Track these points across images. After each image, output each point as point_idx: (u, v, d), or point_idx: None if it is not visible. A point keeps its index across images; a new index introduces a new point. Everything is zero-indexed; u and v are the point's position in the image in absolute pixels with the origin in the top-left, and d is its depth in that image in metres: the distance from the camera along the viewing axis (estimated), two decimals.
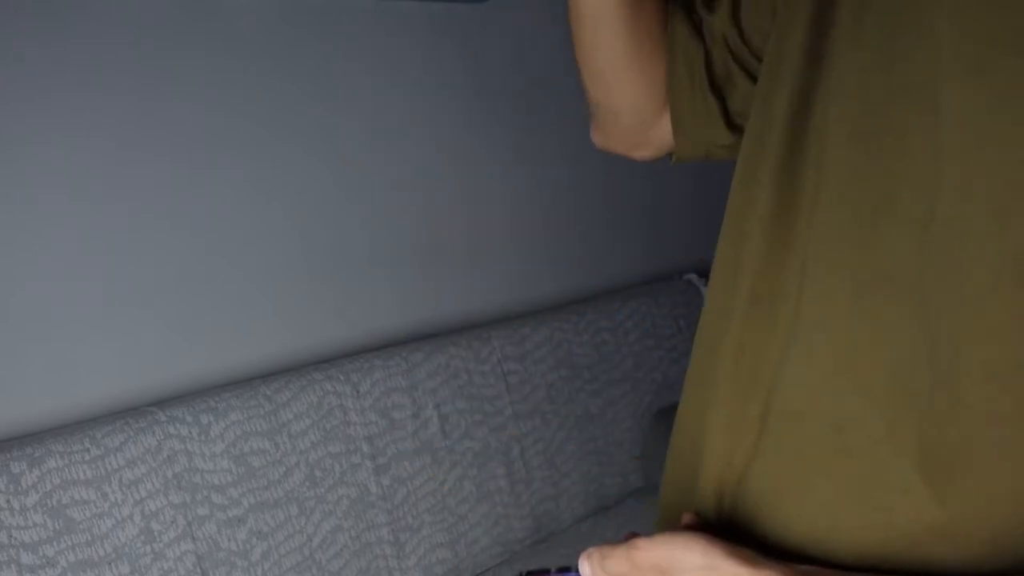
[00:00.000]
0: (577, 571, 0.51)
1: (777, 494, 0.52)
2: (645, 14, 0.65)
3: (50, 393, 1.09)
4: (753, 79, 0.61)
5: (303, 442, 1.21)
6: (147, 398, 1.17)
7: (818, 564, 0.47)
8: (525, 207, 1.63)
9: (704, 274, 1.83)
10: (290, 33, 1.26)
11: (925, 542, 0.46)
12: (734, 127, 0.65)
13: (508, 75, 1.56)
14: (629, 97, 0.69)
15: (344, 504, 1.24)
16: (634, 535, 0.49)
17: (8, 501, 0.95)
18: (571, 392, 1.58)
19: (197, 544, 1.09)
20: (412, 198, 1.46)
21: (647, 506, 1.43)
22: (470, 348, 1.44)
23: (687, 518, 0.56)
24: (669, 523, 0.61)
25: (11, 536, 0.94)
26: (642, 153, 0.76)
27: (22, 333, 1.07)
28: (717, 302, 0.58)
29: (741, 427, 0.54)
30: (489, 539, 1.42)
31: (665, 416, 1.69)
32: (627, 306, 1.72)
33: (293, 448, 1.19)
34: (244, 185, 1.25)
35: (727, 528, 0.54)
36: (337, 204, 1.36)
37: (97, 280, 1.12)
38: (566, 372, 1.58)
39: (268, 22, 1.24)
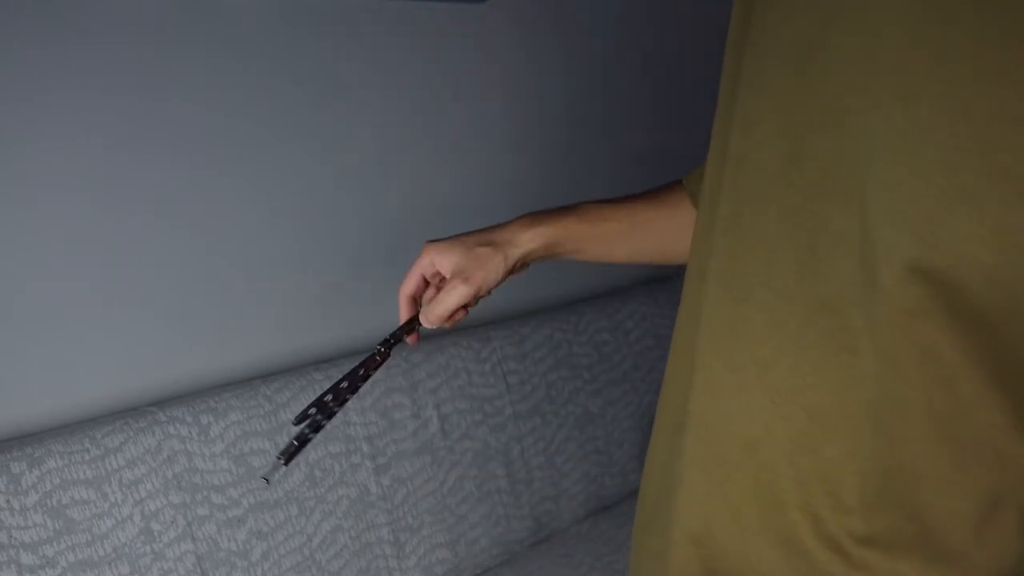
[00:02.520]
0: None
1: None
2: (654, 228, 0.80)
3: (50, 393, 1.09)
4: None
5: None
6: (147, 398, 1.17)
7: None
8: (524, 207, 1.63)
9: None
10: (290, 33, 1.26)
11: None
12: None
13: (508, 75, 1.56)
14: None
15: (344, 504, 1.24)
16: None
17: (8, 501, 0.95)
18: (571, 392, 1.58)
19: (197, 544, 1.08)
20: (412, 197, 1.46)
21: None
22: (470, 348, 1.44)
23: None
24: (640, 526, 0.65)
25: (11, 536, 0.94)
26: None
27: (22, 333, 1.07)
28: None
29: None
30: (489, 539, 1.42)
31: None
32: (627, 306, 1.72)
33: None
34: (244, 185, 1.25)
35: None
36: (337, 204, 1.36)
37: (97, 280, 1.12)
38: (566, 372, 1.58)
39: (268, 22, 1.24)
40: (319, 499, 1.21)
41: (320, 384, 1.24)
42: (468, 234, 0.80)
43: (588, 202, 0.81)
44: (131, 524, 1.03)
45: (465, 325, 1.53)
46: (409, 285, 0.81)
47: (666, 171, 1.89)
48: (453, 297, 0.77)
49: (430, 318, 0.78)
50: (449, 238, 0.80)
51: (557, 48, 1.63)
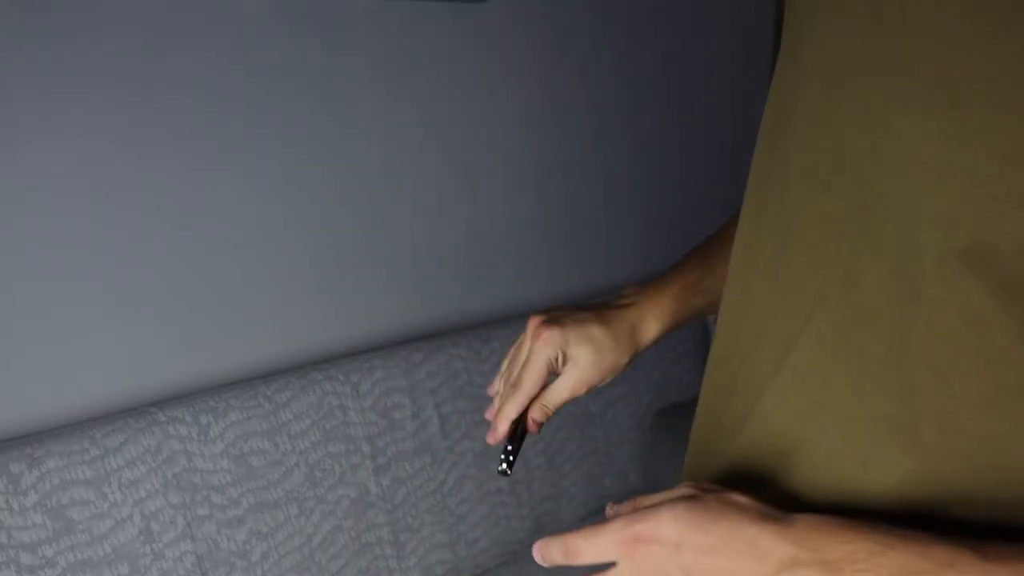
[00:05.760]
0: None
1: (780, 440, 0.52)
2: None
3: (50, 393, 1.09)
4: None
5: (303, 442, 1.21)
6: (147, 398, 1.17)
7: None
8: (525, 208, 1.63)
9: None
10: (291, 33, 1.26)
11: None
12: None
13: (510, 75, 1.56)
14: None
15: (344, 504, 1.24)
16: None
17: (8, 501, 0.95)
18: None
19: (197, 544, 1.08)
20: (412, 198, 1.46)
21: None
22: (470, 348, 1.44)
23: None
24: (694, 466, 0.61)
25: (11, 536, 0.94)
26: None
27: (22, 333, 1.07)
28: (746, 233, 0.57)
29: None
30: (489, 539, 1.42)
31: (665, 416, 1.69)
32: None
33: (293, 448, 1.19)
34: (244, 185, 1.25)
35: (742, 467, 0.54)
36: (337, 204, 1.36)
37: (97, 280, 1.12)
38: None
39: (269, 22, 1.24)
40: (319, 499, 1.21)
41: (320, 384, 1.24)
42: (585, 316, 0.69)
43: (688, 259, 0.75)
44: (131, 524, 1.03)
45: (465, 325, 1.53)
46: (535, 385, 0.70)
47: (667, 173, 1.88)
48: (572, 383, 0.67)
49: (550, 409, 0.69)
50: (565, 319, 0.68)
51: (558, 47, 1.63)
